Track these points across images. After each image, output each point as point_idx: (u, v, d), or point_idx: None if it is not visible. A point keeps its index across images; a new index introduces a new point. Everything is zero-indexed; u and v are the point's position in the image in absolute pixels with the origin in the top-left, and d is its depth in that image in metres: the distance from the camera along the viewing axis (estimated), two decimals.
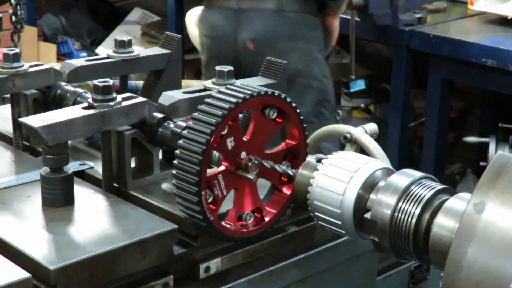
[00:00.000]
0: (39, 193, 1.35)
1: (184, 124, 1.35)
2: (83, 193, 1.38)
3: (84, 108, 1.35)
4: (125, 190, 1.43)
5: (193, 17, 3.55)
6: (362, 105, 4.33)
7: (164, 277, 1.26)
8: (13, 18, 3.29)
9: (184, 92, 1.46)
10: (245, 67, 2.88)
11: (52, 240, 1.24)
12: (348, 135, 1.81)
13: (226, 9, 3.04)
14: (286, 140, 1.34)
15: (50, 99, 1.60)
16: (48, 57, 5.23)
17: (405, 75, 3.67)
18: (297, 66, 2.99)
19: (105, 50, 4.57)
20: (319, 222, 1.20)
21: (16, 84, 1.56)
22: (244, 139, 1.28)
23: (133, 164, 1.45)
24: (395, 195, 1.11)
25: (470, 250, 0.95)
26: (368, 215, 1.13)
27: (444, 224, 1.06)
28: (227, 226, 1.28)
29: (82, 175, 1.49)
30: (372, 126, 1.86)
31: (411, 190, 1.11)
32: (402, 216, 1.09)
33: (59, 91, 1.59)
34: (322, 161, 1.20)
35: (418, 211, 1.09)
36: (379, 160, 1.20)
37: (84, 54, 5.32)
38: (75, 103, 1.54)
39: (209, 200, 1.24)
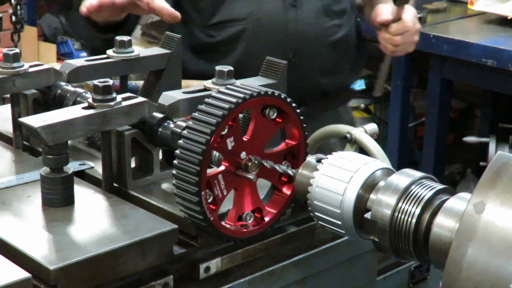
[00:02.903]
0: (39, 193, 1.35)
1: (184, 124, 1.35)
2: (83, 193, 1.38)
3: (84, 108, 1.35)
4: (125, 190, 1.43)
5: None
6: (362, 105, 4.34)
7: (164, 277, 1.26)
8: (13, 18, 3.29)
9: (184, 92, 1.46)
10: None
11: (52, 240, 1.24)
12: (348, 135, 1.81)
13: None
14: (286, 140, 1.34)
15: (50, 99, 1.60)
16: (48, 57, 5.23)
17: (405, 75, 3.68)
18: None
19: None
20: (319, 222, 1.20)
21: (16, 84, 1.56)
22: (244, 139, 1.28)
23: (133, 164, 1.45)
24: (395, 195, 1.11)
25: (470, 250, 0.95)
26: (368, 215, 1.13)
27: (444, 224, 1.06)
28: (227, 226, 1.28)
29: (82, 175, 1.49)
30: (372, 126, 1.86)
31: (411, 190, 1.11)
32: (402, 216, 1.09)
33: (59, 91, 1.59)
34: (322, 161, 1.20)
35: (418, 211, 1.09)
36: (379, 160, 1.20)
37: (84, 54, 5.32)
38: (75, 103, 1.54)
39: (209, 200, 1.24)
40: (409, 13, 2.43)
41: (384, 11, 2.44)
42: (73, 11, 2.34)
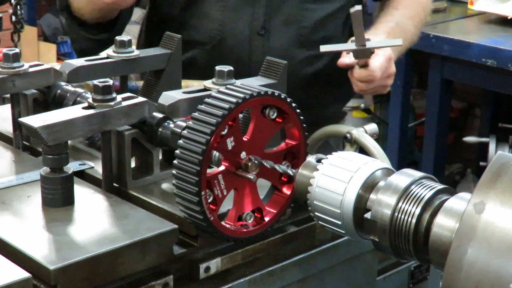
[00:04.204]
0: (39, 193, 1.35)
1: (184, 124, 1.35)
2: (83, 193, 1.38)
3: (84, 108, 1.35)
4: (125, 190, 1.43)
5: None
6: (362, 105, 4.34)
7: (164, 277, 1.26)
8: (13, 18, 3.28)
9: (184, 92, 1.46)
10: None
11: (52, 240, 1.24)
12: (348, 135, 1.81)
13: None
14: (286, 140, 1.34)
15: (50, 99, 1.60)
16: (48, 57, 5.23)
17: (405, 75, 3.68)
18: None
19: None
20: (319, 222, 1.20)
21: (16, 84, 1.56)
22: (244, 139, 1.28)
23: (133, 164, 1.45)
24: (395, 195, 1.11)
25: (470, 250, 0.95)
26: (368, 215, 1.13)
27: (444, 224, 1.06)
28: (227, 226, 1.28)
29: (82, 175, 1.49)
30: (372, 126, 1.86)
31: (411, 190, 1.11)
32: (402, 216, 1.09)
33: (59, 91, 1.59)
34: (322, 161, 1.20)
35: (418, 211, 1.09)
36: (379, 160, 1.20)
37: None
38: (75, 103, 1.54)
39: (209, 200, 1.24)
40: (379, 58, 2.03)
41: (345, 53, 2.03)
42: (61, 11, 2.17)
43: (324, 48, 1.96)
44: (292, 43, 2.18)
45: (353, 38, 1.94)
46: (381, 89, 2.12)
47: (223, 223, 1.27)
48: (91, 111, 1.34)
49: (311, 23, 2.19)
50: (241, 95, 1.22)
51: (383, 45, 2.05)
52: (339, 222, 1.16)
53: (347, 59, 2.02)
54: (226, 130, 1.23)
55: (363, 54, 1.96)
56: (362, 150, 1.80)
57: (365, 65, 2.00)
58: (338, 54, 2.10)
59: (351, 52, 1.97)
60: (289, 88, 1.60)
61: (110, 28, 2.08)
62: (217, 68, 1.51)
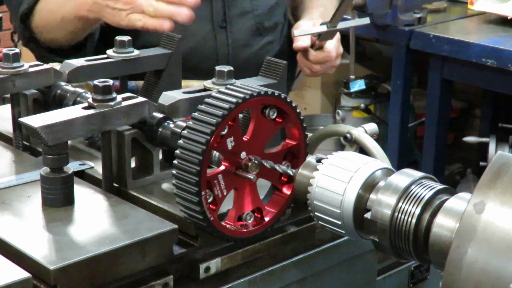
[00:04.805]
0: (39, 193, 1.35)
1: (184, 124, 1.35)
2: (83, 193, 1.38)
3: (84, 108, 1.35)
4: (125, 190, 1.43)
5: None
6: (362, 105, 4.34)
7: (164, 277, 1.26)
8: None
9: (184, 92, 1.47)
10: None
11: (52, 240, 1.24)
12: (348, 135, 1.81)
13: None
14: (286, 140, 1.34)
15: (50, 99, 1.60)
16: None
17: (405, 75, 3.67)
18: None
19: None
20: (319, 222, 1.20)
21: (16, 84, 1.56)
22: (244, 139, 1.28)
23: (133, 164, 1.45)
24: (395, 195, 1.11)
25: (470, 250, 0.95)
26: (368, 215, 1.13)
27: (444, 224, 1.06)
28: (227, 226, 1.28)
29: (82, 175, 1.49)
30: (372, 126, 1.85)
31: (411, 190, 1.11)
32: (402, 216, 1.09)
33: (59, 91, 1.59)
34: (322, 161, 1.20)
35: (418, 211, 1.09)
36: (379, 160, 1.20)
37: None
38: (75, 103, 1.54)
39: (209, 200, 1.24)
40: (332, 40, 2.16)
41: (301, 37, 2.15)
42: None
43: (298, 32, 2.12)
44: (251, 32, 2.27)
45: (322, 22, 2.09)
46: (330, 70, 2.25)
47: (223, 223, 1.27)
48: (91, 111, 1.34)
49: (264, 10, 2.31)
50: (241, 95, 1.22)
51: (353, 24, 2.23)
52: (339, 222, 1.16)
53: (302, 43, 2.14)
54: (226, 130, 1.23)
55: (329, 35, 2.10)
56: (362, 150, 1.80)
57: (319, 48, 2.14)
58: (290, 39, 2.24)
59: (308, 35, 2.12)
60: (250, 75, 1.61)
61: (82, 48, 2.11)
62: (217, 68, 1.51)
